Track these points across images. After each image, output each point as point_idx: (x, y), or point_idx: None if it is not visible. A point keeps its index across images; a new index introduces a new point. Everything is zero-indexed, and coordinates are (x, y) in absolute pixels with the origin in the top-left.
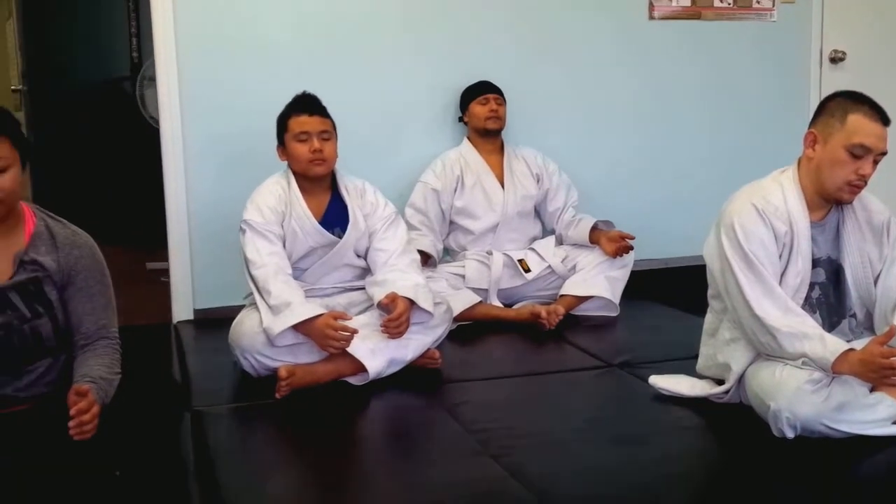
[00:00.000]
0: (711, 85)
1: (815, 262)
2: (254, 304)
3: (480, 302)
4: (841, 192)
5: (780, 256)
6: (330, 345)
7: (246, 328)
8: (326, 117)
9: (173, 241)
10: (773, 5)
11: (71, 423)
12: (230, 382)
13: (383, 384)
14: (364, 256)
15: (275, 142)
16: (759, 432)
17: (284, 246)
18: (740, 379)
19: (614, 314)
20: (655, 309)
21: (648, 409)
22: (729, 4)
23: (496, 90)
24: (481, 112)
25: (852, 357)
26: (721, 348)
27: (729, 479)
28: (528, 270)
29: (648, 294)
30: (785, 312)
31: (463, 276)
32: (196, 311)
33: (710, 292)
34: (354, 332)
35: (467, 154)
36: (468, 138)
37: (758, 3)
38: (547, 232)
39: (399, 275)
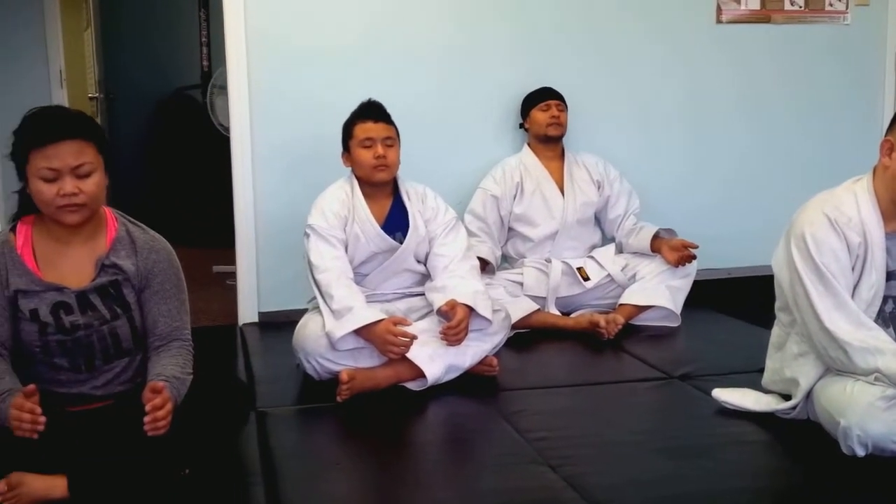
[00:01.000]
0: (781, 91)
1: (890, 275)
2: (317, 307)
3: (538, 310)
4: None
5: (853, 268)
6: (390, 350)
7: (309, 332)
8: (390, 124)
9: (240, 245)
10: (847, 8)
11: (146, 419)
12: (293, 385)
13: (441, 390)
14: (424, 262)
15: (339, 148)
16: (828, 449)
17: (347, 251)
18: (808, 394)
19: (675, 325)
20: (718, 320)
21: (710, 423)
22: (800, 7)
23: (558, 96)
24: (542, 118)
25: None
26: (789, 362)
27: (795, 497)
28: (587, 279)
29: (711, 304)
30: (857, 326)
31: (521, 284)
32: (261, 314)
33: (777, 304)
34: (414, 337)
35: (527, 160)
36: (528, 144)
37: (830, 5)
38: (607, 240)
39: (459, 281)
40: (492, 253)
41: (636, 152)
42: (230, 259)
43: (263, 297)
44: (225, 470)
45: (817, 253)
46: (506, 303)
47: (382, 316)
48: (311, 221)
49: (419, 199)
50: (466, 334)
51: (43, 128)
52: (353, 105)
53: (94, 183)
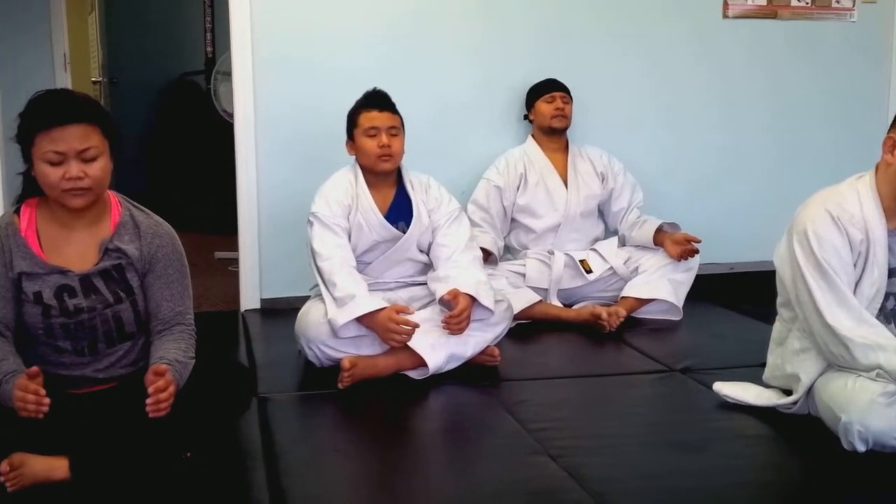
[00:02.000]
0: (786, 86)
1: (892, 272)
2: (319, 295)
3: (540, 301)
4: None
5: (855, 265)
6: (392, 338)
7: (311, 319)
8: (395, 113)
9: (243, 232)
10: (853, 5)
11: (148, 401)
12: (295, 371)
13: (442, 379)
14: (427, 251)
15: (343, 136)
16: (828, 445)
17: (350, 239)
18: (809, 390)
19: (677, 318)
20: (719, 314)
21: (711, 417)
22: (807, 4)
23: (563, 88)
24: (547, 110)
25: None
26: (790, 358)
27: (795, 491)
28: (589, 271)
29: (713, 299)
30: (859, 322)
31: (523, 275)
32: (263, 301)
33: (779, 300)
34: (416, 325)
35: (531, 152)
36: (533, 136)
37: (837, 2)
38: (609, 233)
39: (461, 271)
40: (494, 244)
41: (639, 145)
42: (232, 245)
43: (265, 284)
44: (226, 454)
45: (819, 249)
46: (508, 294)
47: (385, 304)
48: (314, 209)
49: (423, 189)
50: (468, 324)
51: (50, 111)
52: (357, 92)
53: (100, 167)
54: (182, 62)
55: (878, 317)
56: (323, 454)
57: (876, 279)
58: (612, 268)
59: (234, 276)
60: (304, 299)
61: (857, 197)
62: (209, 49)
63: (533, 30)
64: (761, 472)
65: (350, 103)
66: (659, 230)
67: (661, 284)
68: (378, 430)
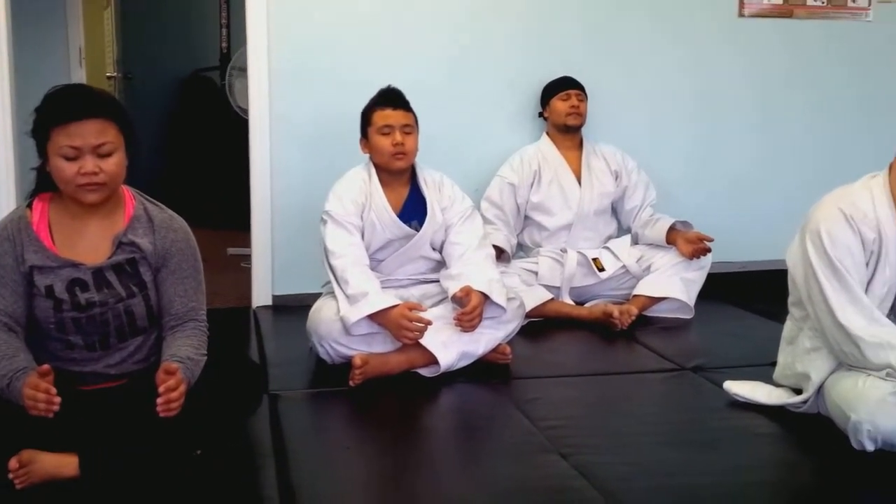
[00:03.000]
0: (801, 86)
1: None
2: (331, 292)
3: (553, 299)
4: None
5: (867, 264)
6: (404, 335)
7: (323, 316)
8: (409, 111)
9: (256, 228)
10: (869, 5)
11: (159, 401)
12: (306, 368)
13: (453, 377)
14: (440, 249)
15: (358, 132)
16: (838, 444)
17: (363, 237)
18: (820, 389)
19: (689, 317)
20: (731, 313)
21: (722, 415)
22: (822, 3)
23: (578, 86)
24: (562, 108)
25: None
26: (800, 357)
27: (804, 491)
28: (601, 269)
29: (724, 298)
30: (870, 322)
31: (536, 273)
32: (275, 297)
33: (790, 299)
34: (429, 323)
35: (546, 149)
36: (547, 133)
37: (853, 2)
38: (622, 231)
39: (474, 269)
40: (507, 241)
41: (653, 144)
42: (245, 241)
43: (278, 281)
44: (236, 451)
45: (832, 248)
46: (520, 291)
47: (397, 301)
48: (328, 208)
49: (436, 188)
50: (480, 321)
51: (66, 105)
52: (372, 89)
53: (115, 163)
54: (197, 58)
55: (889, 316)
56: (334, 452)
57: (888, 278)
58: (624, 266)
59: (247, 273)
60: (316, 296)
61: (871, 196)
62: (224, 45)
63: (548, 27)
64: (771, 470)
65: (365, 101)
66: (672, 228)
67: (673, 283)
68: (389, 427)
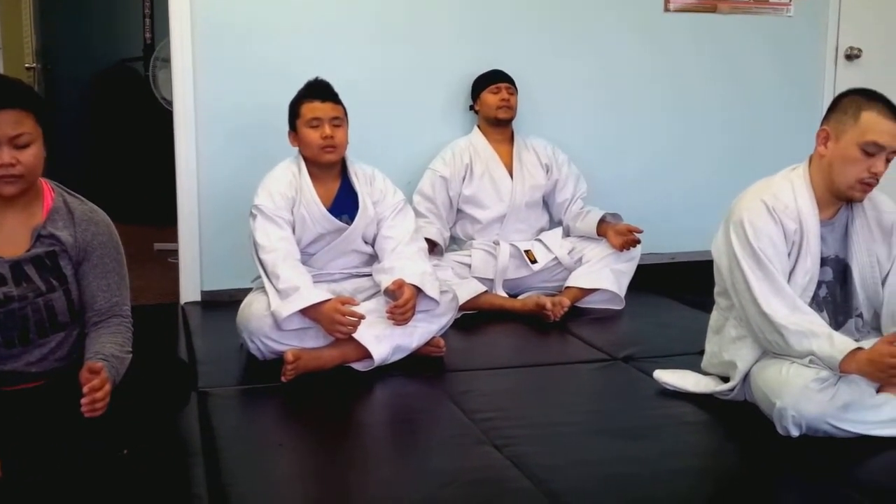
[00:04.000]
0: (725, 79)
1: (823, 261)
2: (262, 287)
3: (486, 291)
4: (852, 190)
5: (789, 254)
6: (337, 330)
7: (254, 311)
8: (338, 104)
9: (183, 223)
10: (790, 0)
11: (83, 401)
12: (236, 365)
13: (388, 371)
14: (372, 243)
15: (286, 123)
16: (764, 430)
17: (293, 231)
18: (746, 377)
19: (619, 307)
20: (661, 303)
21: (652, 404)
22: None
23: (508, 79)
24: (493, 101)
25: (860, 356)
26: (727, 346)
27: (732, 476)
28: (534, 261)
29: (654, 288)
30: (793, 310)
31: (469, 266)
32: (203, 293)
33: (716, 289)
34: (361, 317)
35: (477, 143)
36: (478, 127)
37: None
38: (554, 223)
39: (406, 262)
40: (440, 234)
41: (584, 137)
42: (173, 236)
43: (206, 276)
44: (165, 451)
45: (755, 238)
46: (453, 284)
47: (329, 296)
48: (257, 202)
49: (368, 181)
50: (413, 314)
51: None
52: (300, 80)
53: (33, 154)
54: (121, 48)
55: (811, 304)
56: (265, 449)
57: (809, 268)
58: (556, 258)
59: (174, 268)
60: (246, 291)
61: (792, 188)
62: (148, 35)
63: (477, 20)
64: (699, 457)
65: (292, 90)
66: (602, 221)
67: (604, 274)
68: (322, 423)
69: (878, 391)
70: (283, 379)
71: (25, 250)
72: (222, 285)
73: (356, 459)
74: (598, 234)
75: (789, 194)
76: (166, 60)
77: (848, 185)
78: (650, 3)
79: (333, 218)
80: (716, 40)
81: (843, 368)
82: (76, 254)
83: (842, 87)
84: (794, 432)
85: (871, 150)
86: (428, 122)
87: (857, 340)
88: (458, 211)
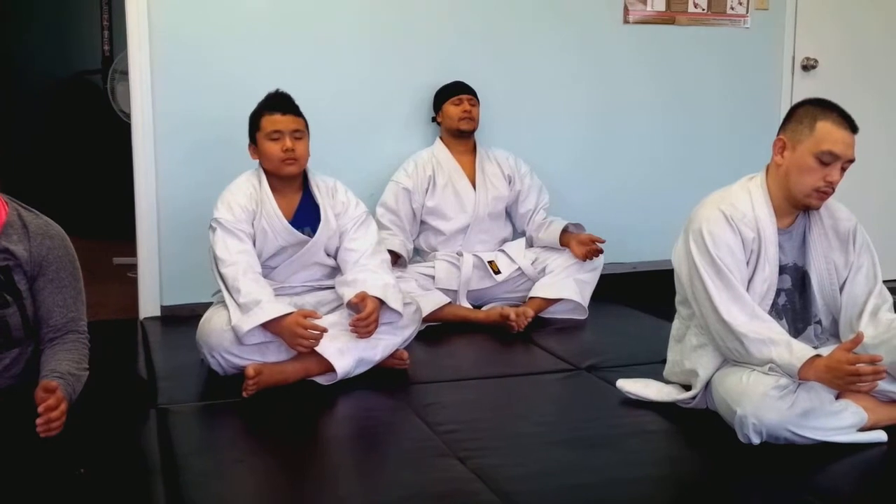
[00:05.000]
0: (684, 90)
1: (782, 269)
2: (222, 301)
3: (450, 303)
4: (809, 199)
5: (748, 263)
6: (299, 343)
7: (214, 326)
8: (299, 116)
9: (142, 237)
10: (747, 12)
11: (38, 420)
12: (197, 380)
13: (351, 384)
14: (334, 256)
15: (245, 136)
16: (725, 438)
17: (254, 245)
18: (707, 385)
19: (583, 317)
20: (624, 313)
21: (615, 413)
22: (703, 10)
23: (470, 91)
24: (454, 112)
25: (819, 363)
26: (688, 354)
27: (694, 484)
28: (497, 272)
29: (617, 298)
30: (752, 318)
31: (433, 277)
32: (163, 308)
33: (677, 298)
34: (324, 330)
35: (439, 154)
36: (441, 138)
37: (732, 9)
38: (517, 234)
39: (369, 274)
40: (403, 246)
41: (545, 148)
42: (133, 251)
43: (166, 291)
44: (123, 469)
45: (714, 247)
46: (417, 296)
47: (291, 309)
48: (217, 215)
49: (329, 194)
50: (377, 327)
51: None
52: (260, 93)
53: None
54: (79, 61)
55: (770, 312)
56: (226, 466)
57: (767, 276)
58: (519, 268)
59: (134, 283)
60: (207, 306)
61: (749, 197)
62: (106, 47)
63: (439, 32)
64: (661, 465)
65: (253, 102)
66: (565, 231)
67: (568, 284)
68: (284, 439)
69: (837, 398)
70: (244, 394)
71: None
72: (182, 300)
73: (319, 474)
74: (561, 245)
75: (747, 203)
76: (124, 73)
77: (804, 194)
78: (610, 16)
79: (295, 230)
80: (675, 52)
81: (802, 376)
82: (31, 268)
83: (799, 97)
84: (755, 440)
85: (826, 159)
86: (390, 134)
87: (816, 347)
88: (422, 223)
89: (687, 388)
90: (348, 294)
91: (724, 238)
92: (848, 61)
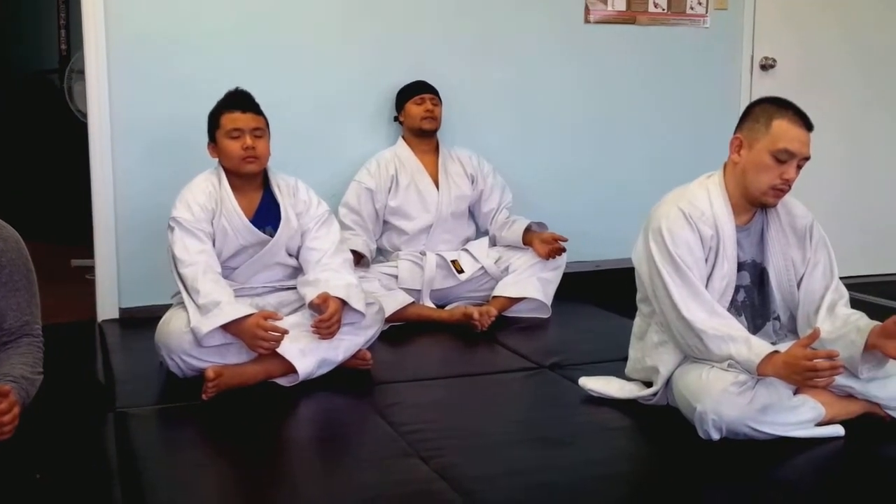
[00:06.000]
0: (644, 89)
1: (741, 266)
2: (181, 303)
3: (413, 303)
4: (766, 196)
5: (707, 260)
6: (259, 345)
7: (173, 328)
8: (259, 114)
9: (99, 238)
10: (707, 12)
11: None
12: (156, 383)
13: (313, 385)
14: (296, 255)
15: (204, 135)
16: (686, 434)
17: (214, 244)
18: (668, 381)
19: (546, 316)
20: (587, 311)
21: (578, 411)
22: (663, 10)
23: (432, 90)
24: (417, 112)
25: (777, 359)
26: (649, 351)
27: (655, 481)
28: (461, 271)
29: (580, 296)
30: (711, 315)
31: (396, 277)
32: (122, 310)
33: (638, 296)
34: (285, 332)
35: (402, 154)
36: (403, 138)
37: (691, 9)
38: (480, 233)
39: (331, 274)
40: (366, 246)
41: (509, 147)
42: (91, 253)
43: (124, 293)
44: (81, 474)
45: (673, 245)
46: (380, 296)
47: (252, 310)
48: (175, 214)
49: (290, 193)
50: (339, 328)
51: None
52: (219, 93)
53: None
54: (36, 60)
55: (729, 309)
56: (186, 470)
57: (726, 273)
58: (483, 268)
59: (92, 285)
60: (166, 308)
61: (707, 195)
62: (63, 46)
63: (402, 32)
64: (623, 462)
65: (212, 101)
66: (528, 230)
67: (531, 283)
68: (246, 441)
69: (795, 393)
70: (204, 397)
71: None
72: (141, 302)
73: (281, 477)
74: (524, 244)
75: (705, 201)
76: (81, 73)
77: (761, 192)
78: (571, 15)
79: (256, 229)
80: (635, 51)
81: (761, 371)
82: None
83: (758, 96)
84: (715, 435)
85: (782, 157)
86: (352, 134)
87: (774, 343)
88: (385, 222)
89: (648, 385)
90: (310, 294)
91: (683, 236)
92: (806, 61)
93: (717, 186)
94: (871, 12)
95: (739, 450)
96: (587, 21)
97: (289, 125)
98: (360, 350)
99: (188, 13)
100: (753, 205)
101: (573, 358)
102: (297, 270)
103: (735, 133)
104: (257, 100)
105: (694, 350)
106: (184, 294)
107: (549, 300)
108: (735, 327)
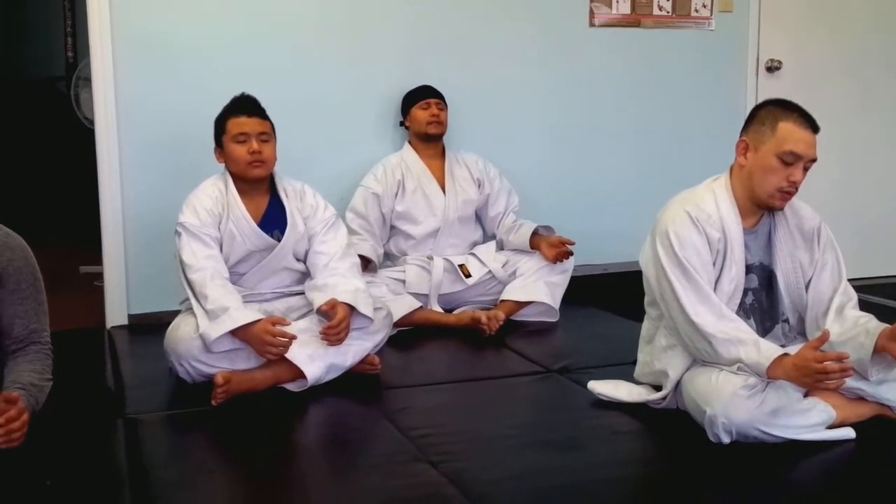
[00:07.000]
0: (650, 92)
1: (749, 269)
2: (190, 309)
3: (421, 307)
4: (772, 199)
5: (714, 263)
6: (268, 351)
7: (182, 334)
8: (265, 119)
9: (108, 245)
10: (711, 14)
11: None
12: (165, 389)
13: (322, 390)
14: (303, 260)
15: (212, 143)
16: (696, 437)
17: (221, 249)
18: (677, 385)
19: (554, 319)
20: (595, 314)
21: (586, 415)
22: (668, 13)
23: (438, 95)
24: (423, 117)
25: (786, 362)
26: (658, 355)
27: (665, 484)
28: (468, 276)
29: (588, 299)
30: (720, 318)
31: (403, 282)
32: (130, 317)
33: (646, 299)
34: (293, 337)
35: (408, 158)
36: (409, 143)
37: (696, 11)
38: (487, 237)
39: (339, 279)
40: (374, 251)
41: (514, 151)
42: (100, 260)
43: (133, 299)
44: (92, 480)
45: (680, 249)
46: (388, 301)
47: (260, 316)
48: (182, 220)
49: (297, 197)
50: (347, 333)
51: None
52: (226, 96)
53: None
54: (43, 67)
55: (737, 312)
56: (195, 475)
57: (734, 276)
58: (490, 272)
59: (101, 292)
60: (175, 314)
61: (714, 198)
62: (70, 54)
63: (408, 37)
64: (634, 466)
65: (218, 107)
66: (534, 233)
67: (538, 287)
68: (255, 447)
69: (805, 396)
70: (213, 402)
71: None
72: (150, 308)
73: (290, 482)
74: (531, 247)
75: (712, 204)
76: (88, 80)
77: (768, 195)
78: (575, 19)
79: (263, 233)
80: (640, 54)
81: (771, 374)
82: None
83: (764, 98)
84: (725, 439)
85: (788, 159)
86: (358, 139)
87: (783, 346)
88: (391, 227)
89: (657, 388)
90: (318, 299)
91: (691, 239)
92: (812, 62)
93: (724, 189)
94: (879, 14)
95: (749, 453)
96: (591, 25)
97: (296, 130)
98: (368, 355)
99: (194, 20)
100: (760, 207)
101: (581, 362)
102: (305, 275)
103: (741, 136)
104: (264, 105)
105: (703, 353)
106: (192, 300)
107: (556, 304)
108: (743, 330)
